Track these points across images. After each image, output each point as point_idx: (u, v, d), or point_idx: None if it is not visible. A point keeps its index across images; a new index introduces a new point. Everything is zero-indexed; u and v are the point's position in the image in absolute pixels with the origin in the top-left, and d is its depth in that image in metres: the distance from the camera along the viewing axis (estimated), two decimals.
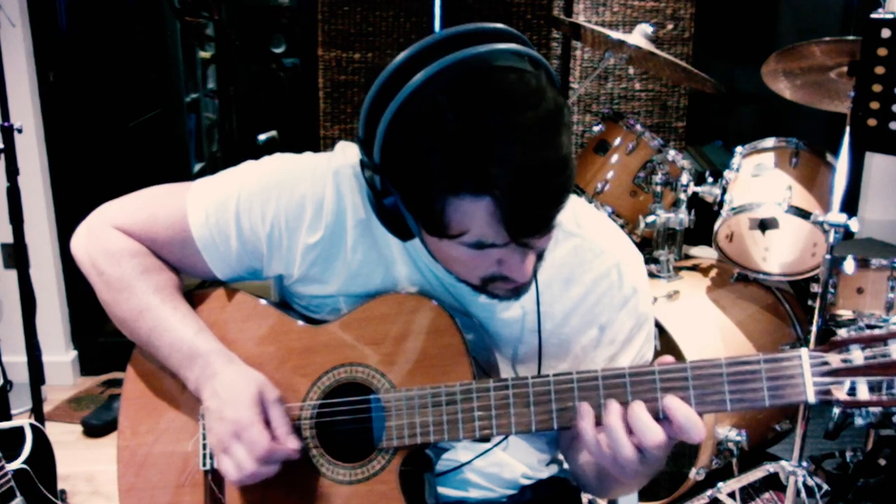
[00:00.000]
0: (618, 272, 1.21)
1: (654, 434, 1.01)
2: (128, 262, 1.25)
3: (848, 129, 2.07)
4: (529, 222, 0.98)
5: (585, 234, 1.22)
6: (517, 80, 0.96)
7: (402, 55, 0.99)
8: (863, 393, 0.99)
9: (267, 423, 1.15)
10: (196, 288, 1.31)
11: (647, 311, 1.26)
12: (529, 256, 1.05)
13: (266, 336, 1.25)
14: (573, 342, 1.23)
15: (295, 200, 1.20)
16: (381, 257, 1.21)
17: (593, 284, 1.21)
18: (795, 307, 2.63)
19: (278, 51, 3.81)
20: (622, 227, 2.61)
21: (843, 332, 1.02)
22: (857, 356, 0.99)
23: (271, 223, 1.21)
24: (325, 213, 1.19)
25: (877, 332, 1.00)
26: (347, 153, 1.22)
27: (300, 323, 1.24)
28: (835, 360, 1.00)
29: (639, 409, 1.02)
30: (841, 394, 0.99)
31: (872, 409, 1.00)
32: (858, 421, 1.03)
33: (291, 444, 1.15)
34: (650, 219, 2.51)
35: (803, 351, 1.01)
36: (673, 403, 1.02)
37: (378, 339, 1.18)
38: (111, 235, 1.27)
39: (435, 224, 1.00)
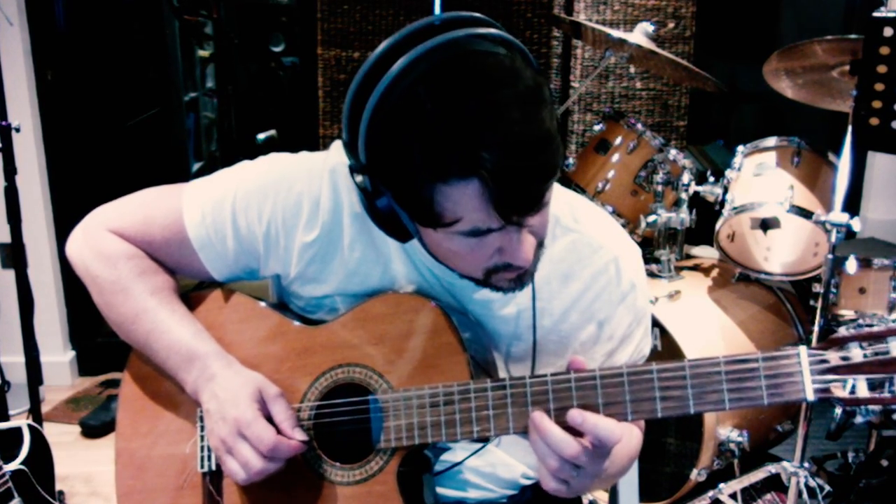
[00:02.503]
0: (616, 267, 1.21)
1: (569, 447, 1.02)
2: (124, 264, 1.25)
3: (850, 128, 2.06)
4: (519, 199, 0.98)
5: (583, 229, 1.21)
6: (492, 62, 0.96)
7: (374, 54, 0.99)
8: (862, 390, 0.99)
9: (269, 419, 1.15)
10: (193, 289, 1.31)
11: (645, 306, 1.26)
12: (527, 239, 1.04)
13: (263, 337, 1.24)
14: (572, 338, 1.22)
15: (291, 199, 1.19)
16: (379, 255, 1.21)
17: (591, 280, 1.21)
18: (797, 307, 2.62)
19: (277, 49, 3.80)
20: (623, 226, 2.60)
21: (842, 330, 1.01)
22: (857, 353, 0.99)
23: (268, 222, 1.20)
24: (322, 211, 1.19)
25: (876, 329, 1.00)
26: (343, 152, 1.21)
27: (297, 324, 1.24)
28: (834, 357, 1.00)
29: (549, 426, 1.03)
30: (840, 391, 0.99)
31: (872, 407, 0.99)
32: (858, 419, 1.02)
33: (299, 435, 1.15)
34: (651, 218, 2.50)
35: (802, 349, 1.00)
36: (578, 416, 1.03)
37: (375, 340, 1.17)
38: (107, 238, 1.26)
39: (428, 215, 0.99)
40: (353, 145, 1.03)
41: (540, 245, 1.08)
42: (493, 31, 1.00)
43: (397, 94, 0.96)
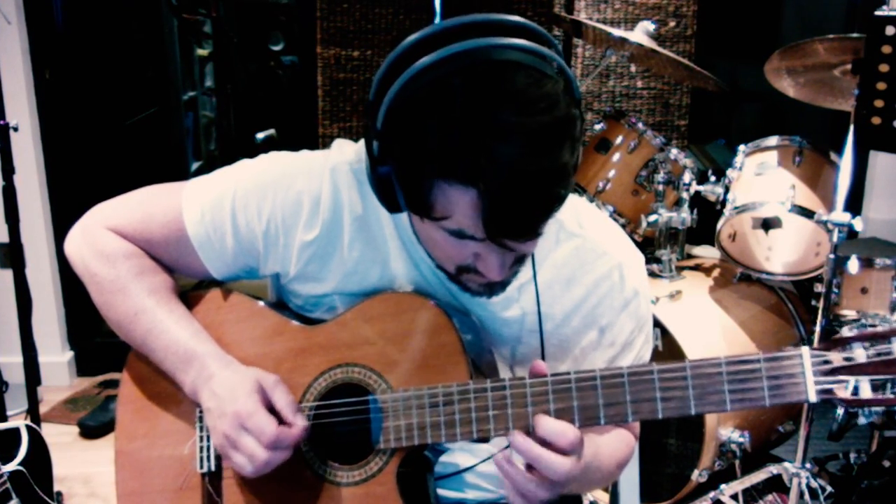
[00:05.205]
0: (619, 274, 1.20)
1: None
2: (122, 263, 1.24)
3: (852, 127, 2.06)
4: (509, 224, 0.97)
5: (587, 234, 1.21)
6: (534, 83, 0.95)
7: (434, 27, 0.98)
8: (865, 391, 0.98)
9: (271, 410, 1.14)
10: (193, 289, 1.30)
11: (648, 314, 1.25)
12: (507, 257, 1.04)
13: (262, 337, 1.24)
14: (573, 343, 1.22)
15: (291, 197, 1.19)
16: (378, 254, 1.20)
17: (594, 286, 1.20)
18: (799, 307, 2.61)
19: (277, 48, 3.79)
20: (624, 226, 2.59)
21: (845, 331, 1.00)
22: (860, 354, 0.98)
23: (267, 220, 1.19)
24: (322, 210, 1.18)
25: (880, 329, 0.99)
26: (344, 150, 1.22)
27: (296, 323, 1.23)
28: (837, 358, 0.99)
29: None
30: (843, 393, 0.98)
31: (875, 408, 0.99)
32: (861, 420, 1.01)
33: (300, 421, 1.14)
34: (652, 218, 2.49)
35: (805, 349, 1.00)
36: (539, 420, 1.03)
37: (374, 339, 1.17)
38: (105, 237, 1.25)
39: (420, 203, 0.99)
40: (376, 106, 1.01)
41: (520, 261, 1.08)
42: (550, 51, 0.99)
43: (434, 76, 0.95)
